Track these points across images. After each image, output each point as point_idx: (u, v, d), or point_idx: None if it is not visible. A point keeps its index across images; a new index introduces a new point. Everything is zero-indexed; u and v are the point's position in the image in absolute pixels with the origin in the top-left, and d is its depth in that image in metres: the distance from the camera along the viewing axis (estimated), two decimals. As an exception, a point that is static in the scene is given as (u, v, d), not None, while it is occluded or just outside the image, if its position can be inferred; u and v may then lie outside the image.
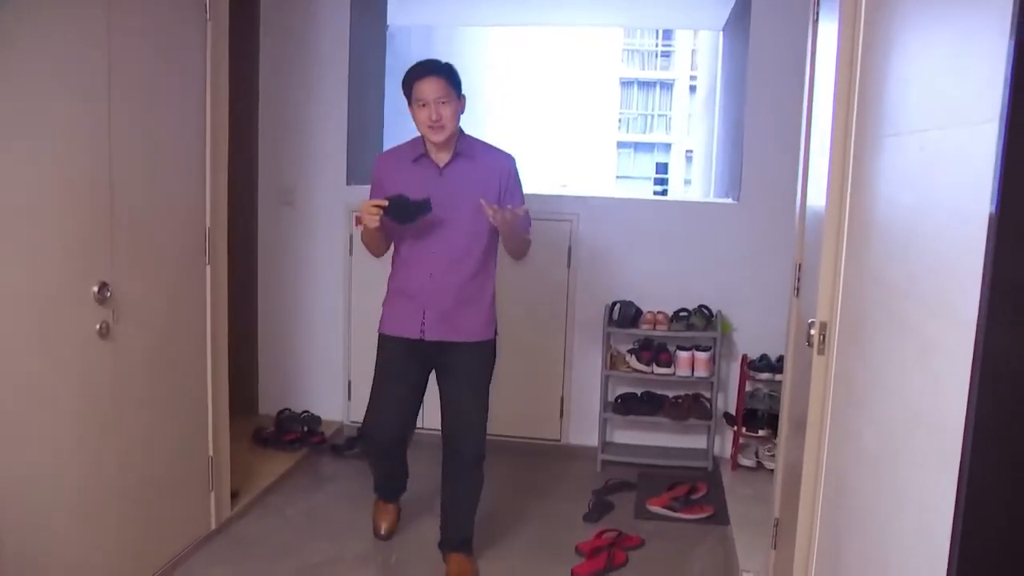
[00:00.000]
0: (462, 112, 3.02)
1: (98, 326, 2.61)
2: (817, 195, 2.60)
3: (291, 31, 4.62)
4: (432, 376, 3.24)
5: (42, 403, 2.42)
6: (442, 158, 3.04)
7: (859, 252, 2.09)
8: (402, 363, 3.14)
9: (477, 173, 3.03)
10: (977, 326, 1.30)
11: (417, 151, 3.06)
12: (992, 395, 1.28)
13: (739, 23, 5.19)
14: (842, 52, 2.26)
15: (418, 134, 3.06)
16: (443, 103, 2.92)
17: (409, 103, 2.98)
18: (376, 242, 3.09)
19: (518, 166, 3.14)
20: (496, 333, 3.20)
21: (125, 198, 2.72)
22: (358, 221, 3.53)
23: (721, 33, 6.47)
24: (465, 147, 3.06)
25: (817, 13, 2.87)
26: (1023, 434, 1.28)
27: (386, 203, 2.88)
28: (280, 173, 4.73)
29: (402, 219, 2.91)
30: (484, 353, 3.16)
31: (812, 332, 2.38)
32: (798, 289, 2.98)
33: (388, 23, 5.16)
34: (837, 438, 2.25)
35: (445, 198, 2.97)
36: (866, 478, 1.91)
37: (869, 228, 1.99)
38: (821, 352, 2.36)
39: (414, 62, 3.01)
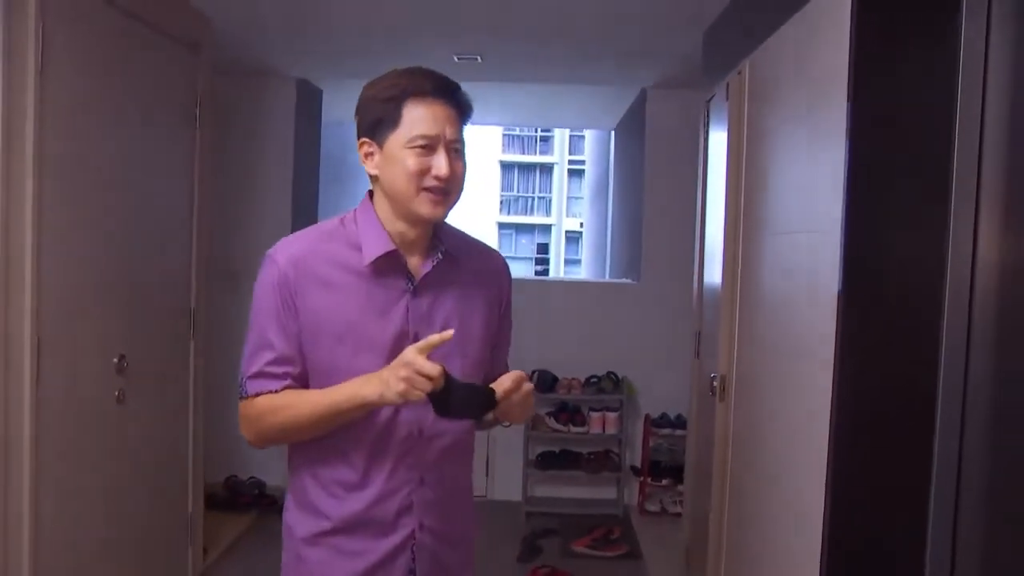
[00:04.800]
0: None
1: (116, 392, 3.02)
2: (713, 276, 3.28)
3: (237, 123, 5.12)
4: None
5: (70, 460, 2.79)
6: (417, 263, 1.62)
7: (750, 320, 2.77)
8: None
9: (466, 288, 1.66)
10: (833, 364, 1.96)
11: (377, 246, 1.57)
12: (843, 409, 1.94)
13: (631, 124, 6.00)
14: (731, 167, 2.97)
15: (360, 210, 1.64)
16: (455, 144, 1.55)
17: (378, 138, 1.55)
18: (334, 424, 1.55)
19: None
20: None
21: (138, 279, 3.17)
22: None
23: (613, 132, 7.31)
24: (448, 241, 1.66)
25: (707, 124, 3.60)
26: (868, 436, 1.93)
27: (439, 374, 1.43)
28: (224, 258, 5.16)
29: (457, 411, 1.50)
30: None
31: (715, 384, 3.03)
32: (698, 352, 3.65)
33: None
34: (738, 469, 2.88)
35: (427, 336, 1.50)
36: (763, 495, 2.54)
37: (759, 302, 2.67)
38: (722, 399, 3.00)
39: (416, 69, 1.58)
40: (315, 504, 1.62)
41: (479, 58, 4.42)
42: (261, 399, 1.57)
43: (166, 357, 3.46)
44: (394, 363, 1.45)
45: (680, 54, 4.19)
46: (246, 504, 4.71)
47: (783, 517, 2.34)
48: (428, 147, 1.52)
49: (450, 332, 1.45)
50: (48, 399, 2.62)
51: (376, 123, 1.54)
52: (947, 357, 1.86)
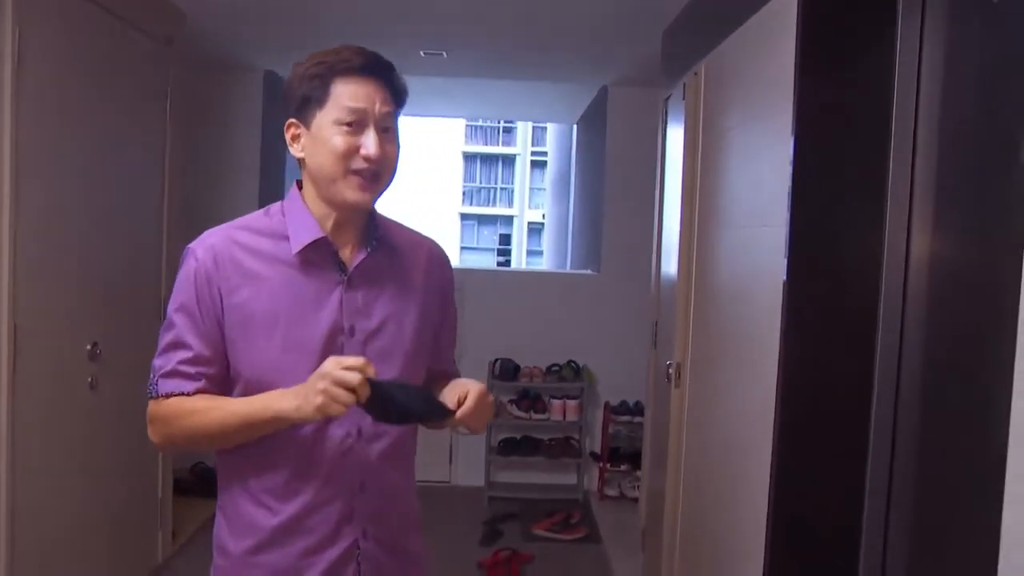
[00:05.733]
0: None
1: (89, 379, 3.09)
2: (670, 268, 3.42)
3: (205, 115, 5.17)
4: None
5: (45, 446, 2.86)
6: (350, 253, 1.53)
7: (704, 309, 2.91)
8: None
9: (403, 279, 1.57)
10: (779, 347, 2.10)
11: (305, 234, 1.49)
12: (789, 388, 2.08)
13: (593, 119, 6.14)
14: (687, 164, 3.10)
15: (287, 200, 1.56)
16: (388, 116, 1.47)
17: (304, 118, 1.47)
18: (246, 436, 1.45)
19: None
20: None
21: (112, 268, 3.24)
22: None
23: (575, 125, 7.44)
24: (383, 231, 1.57)
25: (665, 122, 3.73)
26: (812, 413, 2.08)
27: (360, 383, 1.31)
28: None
29: (398, 416, 1.43)
30: None
31: (671, 371, 3.17)
32: (655, 341, 3.79)
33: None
34: (692, 452, 3.03)
35: (365, 329, 1.51)
36: (716, 472, 2.69)
37: (712, 292, 2.81)
38: (678, 386, 3.15)
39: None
40: (248, 517, 1.50)
41: (444, 54, 4.52)
42: (172, 401, 1.45)
43: (138, 344, 3.52)
44: (313, 376, 1.34)
45: (640, 54, 4.32)
46: (214, 490, 4.77)
47: (733, 494, 2.48)
48: (357, 125, 1.43)
49: (369, 366, 1.33)
50: (24, 385, 2.69)
51: (303, 102, 1.45)
52: (883, 339, 2.03)
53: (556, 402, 5.17)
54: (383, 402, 1.35)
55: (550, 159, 11.84)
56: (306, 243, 1.48)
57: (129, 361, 3.42)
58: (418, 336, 1.57)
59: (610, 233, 5.35)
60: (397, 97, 1.49)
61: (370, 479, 1.51)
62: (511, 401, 5.22)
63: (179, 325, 1.47)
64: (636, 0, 3.50)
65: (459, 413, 1.41)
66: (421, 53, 4.50)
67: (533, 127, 31.77)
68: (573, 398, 5.17)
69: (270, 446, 1.46)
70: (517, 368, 5.22)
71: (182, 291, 1.48)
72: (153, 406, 1.49)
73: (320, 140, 1.44)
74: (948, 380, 1.90)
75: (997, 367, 1.62)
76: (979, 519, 1.64)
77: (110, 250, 3.25)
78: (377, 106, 1.44)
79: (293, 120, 1.48)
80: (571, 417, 5.16)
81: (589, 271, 5.74)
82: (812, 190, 2.09)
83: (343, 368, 1.31)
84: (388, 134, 1.47)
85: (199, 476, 4.91)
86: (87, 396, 3.10)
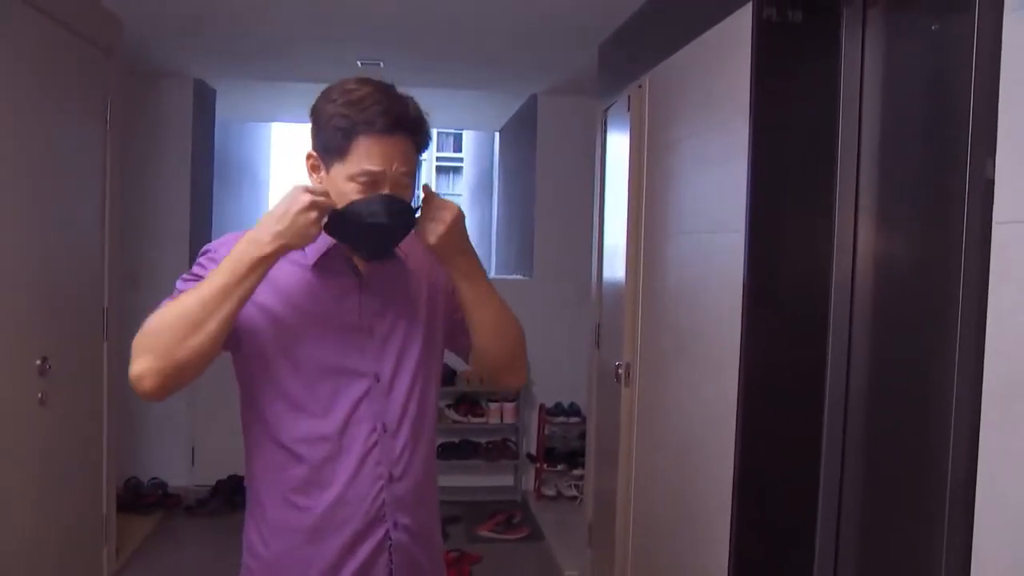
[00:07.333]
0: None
1: (39, 395, 3.03)
2: (614, 272, 3.55)
3: (136, 123, 5.08)
4: None
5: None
6: (363, 260, 1.59)
7: (654, 311, 3.05)
8: None
9: (412, 277, 1.65)
10: (740, 345, 2.24)
11: (321, 242, 1.51)
12: (750, 383, 2.23)
13: (519, 126, 6.26)
14: (633, 173, 3.24)
15: None
16: (404, 176, 1.49)
17: (325, 160, 1.50)
18: (230, 300, 1.40)
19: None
20: None
21: (57, 280, 3.18)
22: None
23: (498, 133, 7.55)
24: None
25: (605, 131, 3.86)
26: (771, 404, 2.23)
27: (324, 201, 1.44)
28: (125, 258, 5.11)
29: (368, 240, 1.52)
30: None
31: (620, 371, 3.30)
32: (598, 342, 3.92)
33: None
34: (644, 448, 3.16)
35: (382, 329, 1.59)
36: (672, 466, 2.82)
37: (662, 293, 2.95)
38: (627, 385, 3.28)
39: (350, 79, 1.51)
40: (278, 518, 1.54)
41: (382, 63, 4.57)
42: (151, 316, 1.44)
43: (84, 358, 3.48)
44: (282, 211, 1.39)
45: (574, 64, 4.46)
46: (150, 505, 4.71)
47: (693, 487, 2.62)
48: (374, 183, 1.45)
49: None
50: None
51: (325, 146, 1.48)
52: (834, 334, 2.21)
53: (493, 405, 5.27)
54: (353, 222, 1.46)
55: (467, 166, 11.93)
56: (322, 251, 1.53)
57: (76, 374, 3.38)
58: (435, 327, 1.65)
59: (542, 239, 5.48)
60: (420, 147, 1.51)
61: (397, 470, 1.56)
62: (449, 406, 5.30)
63: (181, 289, 1.48)
64: (572, 13, 3.63)
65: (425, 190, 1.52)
66: (358, 63, 4.53)
67: (438, 133, 31.73)
68: (510, 401, 5.27)
69: (296, 446, 1.52)
70: (454, 373, 5.27)
71: (193, 272, 1.51)
72: (136, 338, 1.47)
73: (336, 190, 1.47)
74: (893, 369, 2.07)
75: (937, 355, 1.79)
76: (926, 506, 1.80)
77: (54, 262, 3.19)
78: (395, 166, 1.45)
79: (313, 153, 1.52)
80: (508, 420, 5.27)
81: (521, 276, 5.85)
82: (768, 196, 2.24)
83: (307, 193, 1.40)
84: (405, 178, 1.49)
85: (132, 491, 4.83)
86: (37, 412, 3.04)
